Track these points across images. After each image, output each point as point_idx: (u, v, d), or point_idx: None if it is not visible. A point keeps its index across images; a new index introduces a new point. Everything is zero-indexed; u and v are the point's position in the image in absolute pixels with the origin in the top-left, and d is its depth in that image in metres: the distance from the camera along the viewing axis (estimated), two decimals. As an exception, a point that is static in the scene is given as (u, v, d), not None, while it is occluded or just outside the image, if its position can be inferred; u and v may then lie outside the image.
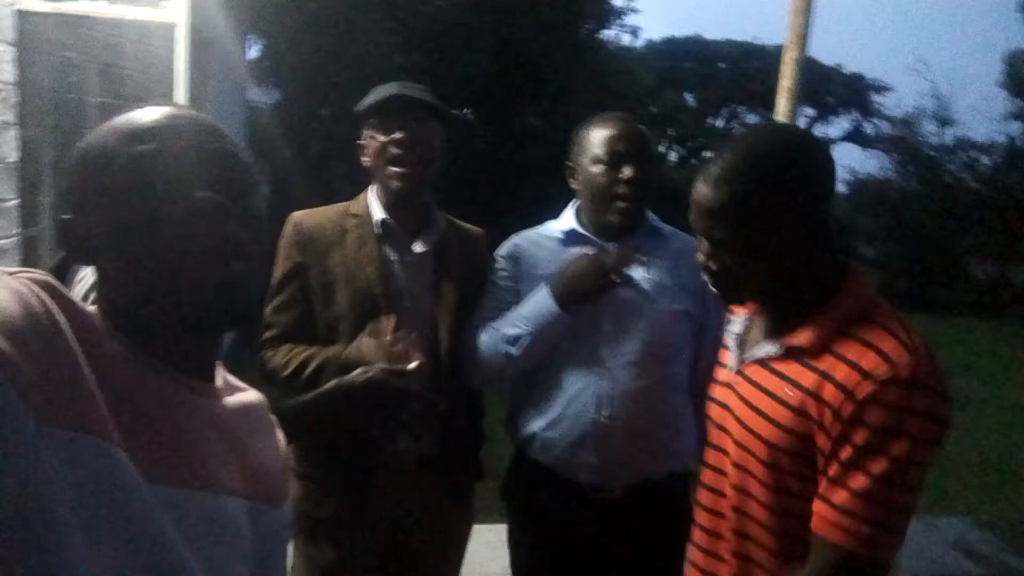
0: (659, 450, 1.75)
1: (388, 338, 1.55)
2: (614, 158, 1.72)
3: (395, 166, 1.69)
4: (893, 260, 16.14)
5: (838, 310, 1.14)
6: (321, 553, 1.76)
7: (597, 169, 1.74)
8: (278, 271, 1.75)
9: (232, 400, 0.84)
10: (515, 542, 1.91)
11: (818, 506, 1.08)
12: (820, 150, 1.18)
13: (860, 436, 1.04)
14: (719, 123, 24.33)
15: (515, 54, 10.60)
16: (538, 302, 1.71)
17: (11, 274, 0.62)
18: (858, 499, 1.03)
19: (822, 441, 1.09)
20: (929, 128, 17.62)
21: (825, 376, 1.09)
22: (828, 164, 1.17)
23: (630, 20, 14.53)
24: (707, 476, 1.33)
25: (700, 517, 1.34)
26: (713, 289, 1.24)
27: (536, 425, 1.79)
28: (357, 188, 1.82)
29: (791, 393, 1.13)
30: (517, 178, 10.31)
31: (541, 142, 10.52)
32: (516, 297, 1.79)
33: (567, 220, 1.85)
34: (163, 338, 0.74)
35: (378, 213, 1.75)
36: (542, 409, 1.78)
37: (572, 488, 1.75)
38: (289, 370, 1.67)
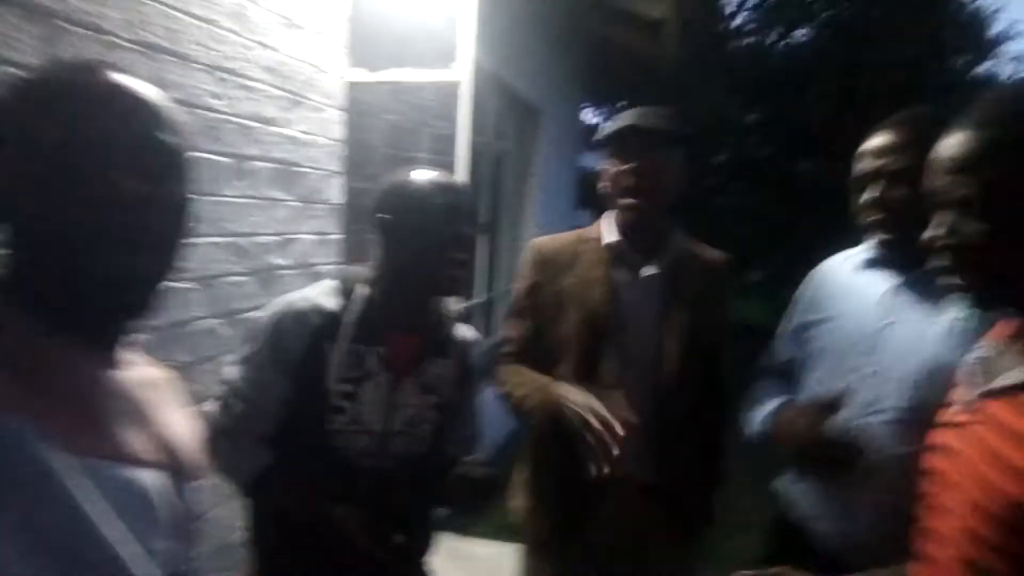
0: None
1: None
2: None
3: (626, 196, 1.70)
4: None
5: None
6: (540, 568, 1.81)
7: None
8: (518, 290, 1.85)
9: (141, 372, 0.81)
10: None
11: None
12: None
13: None
14: None
15: (866, 96, 9.78)
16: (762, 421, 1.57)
17: None
18: None
19: None
20: None
21: None
22: None
23: (1015, 47, 12.42)
24: (929, 546, 1.04)
25: None
26: (946, 278, 0.98)
27: (781, 483, 1.62)
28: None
29: None
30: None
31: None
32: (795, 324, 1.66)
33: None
34: (72, 311, 0.72)
35: (609, 236, 1.76)
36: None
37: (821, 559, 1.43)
38: (509, 397, 1.76)
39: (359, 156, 2.83)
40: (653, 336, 1.72)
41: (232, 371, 1.41)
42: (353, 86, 2.78)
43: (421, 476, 1.46)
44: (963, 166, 0.92)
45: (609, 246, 1.75)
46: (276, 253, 2.39)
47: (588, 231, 1.83)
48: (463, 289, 1.49)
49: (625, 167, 1.69)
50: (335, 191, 2.72)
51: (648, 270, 1.73)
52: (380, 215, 1.40)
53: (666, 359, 1.70)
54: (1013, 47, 12.25)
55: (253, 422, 1.38)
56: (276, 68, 2.28)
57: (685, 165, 1.74)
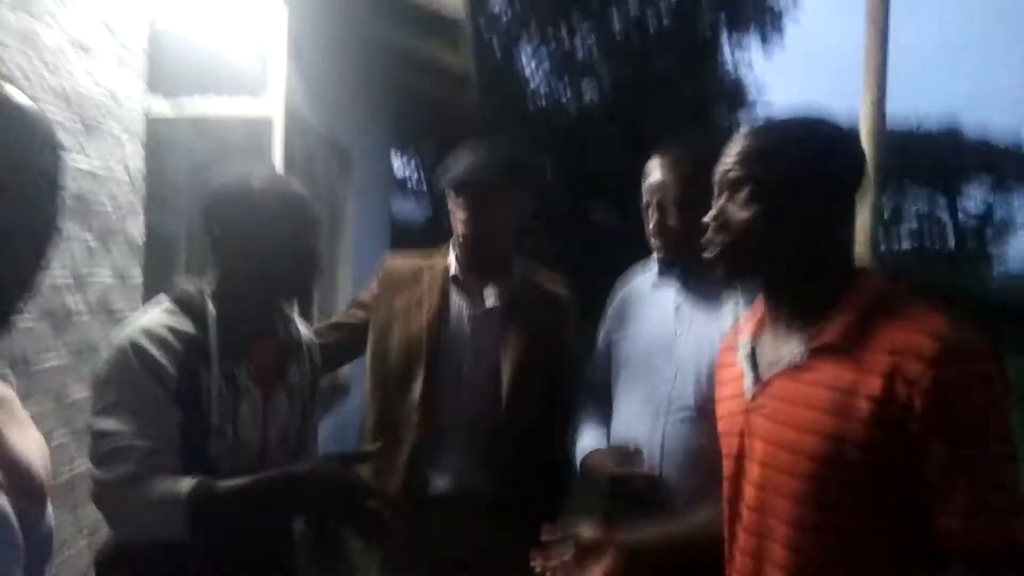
0: None
1: None
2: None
3: (462, 237, 1.81)
4: None
5: (861, 299, 1.08)
6: None
7: None
8: (356, 297, 1.96)
9: None
10: None
11: (945, 522, 0.98)
12: (861, 150, 1.21)
13: (945, 432, 0.97)
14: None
15: (649, 146, 10.85)
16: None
17: None
18: (979, 494, 0.96)
19: (882, 440, 1.00)
20: None
21: (868, 371, 1.02)
22: (863, 165, 1.18)
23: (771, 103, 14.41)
24: (740, 514, 1.20)
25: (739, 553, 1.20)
26: (715, 257, 1.17)
27: None
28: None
29: (829, 395, 1.05)
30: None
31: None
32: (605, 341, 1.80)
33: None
34: None
35: (453, 267, 1.85)
36: None
37: None
38: None
39: (161, 192, 2.69)
40: (488, 364, 1.80)
41: (106, 423, 1.24)
42: (154, 119, 2.65)
43: None
44: (738, 161, 1.14)
45: (449, 275, 1.84)
46: (71, 295, 2.20)
47: (440, 254, 1.90)
48: (312, 291, 1.52)
49: (461, 212, 1.79)
50: (136, 229, 2.56)
51: (489, 301, 1.83)
52: (222, 225, 1.36)
53: (501, 385, 1.79)
54: (768, 104, 14.20)
55: (164, 455, 1.24)
56: (70, 96, 2.13)
57: (527, 200, 1.86)
